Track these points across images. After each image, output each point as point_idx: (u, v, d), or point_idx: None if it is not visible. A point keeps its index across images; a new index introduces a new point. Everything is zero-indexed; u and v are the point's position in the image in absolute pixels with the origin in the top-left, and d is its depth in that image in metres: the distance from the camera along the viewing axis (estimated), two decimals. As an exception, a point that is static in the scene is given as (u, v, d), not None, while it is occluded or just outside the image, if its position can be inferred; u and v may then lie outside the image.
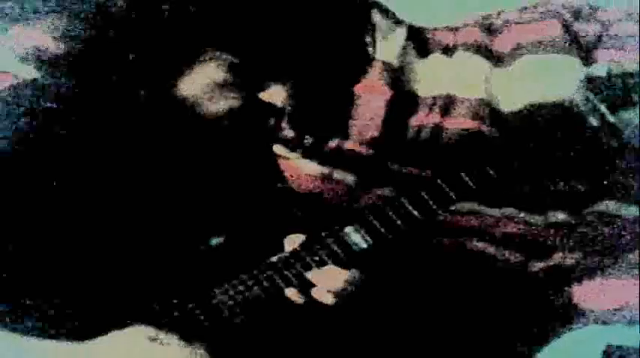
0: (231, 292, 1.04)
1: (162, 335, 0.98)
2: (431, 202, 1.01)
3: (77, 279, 0.98)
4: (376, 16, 1.68)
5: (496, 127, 1.63)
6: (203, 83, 0.93)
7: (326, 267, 1.02)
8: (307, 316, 1.06)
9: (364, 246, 1.02)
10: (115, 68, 0.90)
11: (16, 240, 0.96)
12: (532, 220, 1.57)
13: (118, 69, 0.90)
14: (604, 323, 1.31)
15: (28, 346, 0.96)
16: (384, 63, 1.67)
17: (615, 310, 1.36)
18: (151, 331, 0.98)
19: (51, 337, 0.97)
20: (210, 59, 0.91)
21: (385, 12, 1.75)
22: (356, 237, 1.02)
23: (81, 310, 0.99)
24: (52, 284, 0.98)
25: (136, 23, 0.88)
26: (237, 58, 0.90)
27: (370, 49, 0.99)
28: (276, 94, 0.95)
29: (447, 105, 1.67)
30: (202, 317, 1.04)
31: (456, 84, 1.69)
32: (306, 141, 1.08)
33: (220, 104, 0.96)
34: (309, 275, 1.02)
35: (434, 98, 1.68)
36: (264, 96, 0.96)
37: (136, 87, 0.91)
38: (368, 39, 0.98)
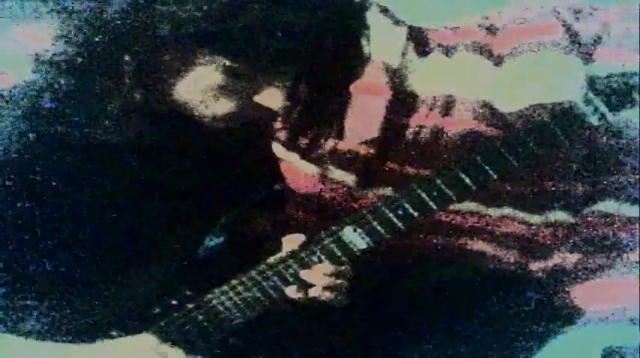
0: (231, 293, 1.04)
1: (164, 346, 0.98)
2: (430, 202, 1.01)
3: (77, 280, 0.98)
4: (376, 16, 1.67)
5: (496, 127, 1.63)
6: (200, 87, 0.93)
7: (322, 265, 1.02)
8: (306, 316, 1.06)
9: (363, 246, 1.02)
10: (111, 70, 0.90)
11: (16, 241, 0.96)
12: (532, 220, 1.57)
13: (114, 71, 0.90)
14: (604, 323, 1.31)
15: (28, 347, 0.96)
16: (384, 63, 1.67)
17: (615, 310, 1.36)
18: (152, 340, 0.99)
19: (51, 339, 0.97)
20: (207, 62, 0.91)
21: (385, 12, 1.74)
22: (355, 238, 1.02)
23: (81, 312, 0.99)
24: (51, 285, 0.98)
25: (134, 25, 0.87)
26: (233, 61, 0.90)
27: (366, 49, 0.99)
28: (272, 97, 0.95)
29: (447, 105, 1.67)
30: (202, 318, 1.04)
31: (456, 84, 1.69)
32: (304, 141, 1.08)
33: (217, 107, 0.95)
34: (306, 275, 1.02)
35: (434, 98, 1.68)
36: (259, 99, 0.95)
37: (133, 89, 0.91)
38: (364, 39, 0.98)
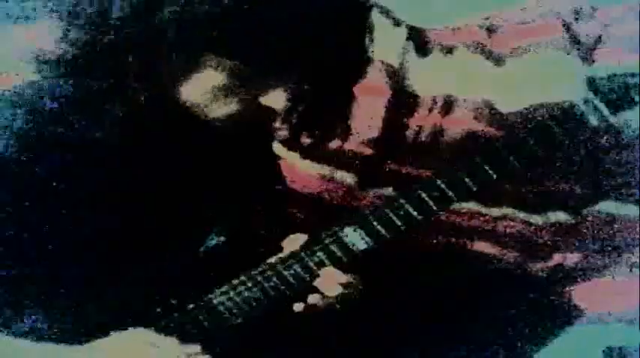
0: (231, 293, 1.04)
1: (160, 339, 0.98)
2: (431, 202, 1.01)
3: (76, 280, 0.98)
4: (376, 16, 1.68)
5: (496, 127, 1.63)
6: (204, 88, 0.93)
7: (325, 269, 1.02)
8: (306, 316, 1.06)
9: (363, 246, 1.02)
10: (114, 71, 0.90)
11: (16, 241, 0.96)
12: (532, 220, 1.57)
13: (117, 72, 0.90)
14: (604, 323, 1.32)
15: (27, 347, 0.96)
16: (383, 63, 1.67)
17: (615, 310, 1.36)
18: (149, 334, 0.99)
19: (50, 339, 0.97)
20: (211, 64, 0.91)
21: (385, 12, 1.75)
22: (355, 238, 1.02)
23: (80, 312, 0.99)
24: (51, 285, 0.98)
25: (138, 27, 0.87)
26: (237, 62, 0.90)
27: (369, 49, 0.99)
28: (276, 98, 0.95)
29: (447, 105, 1.67)
30: (202, 318, 1.04)
31: (456, 84, 1.69)
32: (305, 141, 1.08)
33: (221, 108, 0.95)
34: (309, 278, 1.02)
35: (434, 98, 1.68)
36: (264, 100, 0.95)
37: (136, 90, 0.91)
38: (367, 40, 0.98)
